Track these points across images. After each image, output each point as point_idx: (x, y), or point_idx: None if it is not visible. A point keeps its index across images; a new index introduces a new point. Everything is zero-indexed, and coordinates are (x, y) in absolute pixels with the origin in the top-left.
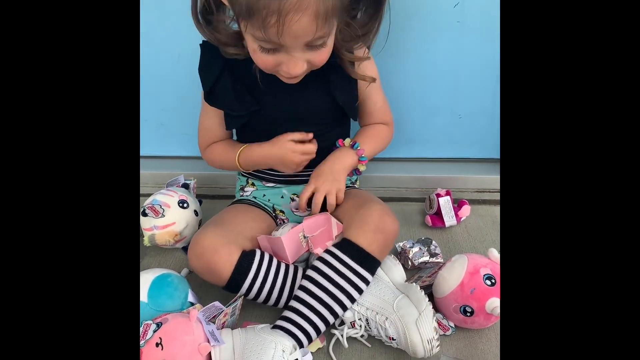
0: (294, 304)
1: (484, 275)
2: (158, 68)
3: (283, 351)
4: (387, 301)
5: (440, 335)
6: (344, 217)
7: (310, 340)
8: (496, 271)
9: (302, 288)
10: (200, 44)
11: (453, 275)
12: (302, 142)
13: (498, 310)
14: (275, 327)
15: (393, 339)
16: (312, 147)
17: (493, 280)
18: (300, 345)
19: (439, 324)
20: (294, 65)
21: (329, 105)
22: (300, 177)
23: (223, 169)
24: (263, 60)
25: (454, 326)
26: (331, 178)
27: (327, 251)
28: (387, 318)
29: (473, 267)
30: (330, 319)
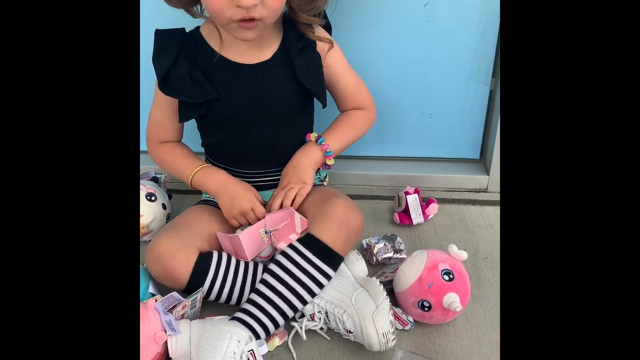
0: (253, 296)
1: (442, 271)
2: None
3: (238, 341)
4: (346, 294)
5: (397, 329)
6: (308, 213)
7: (268, 333)
8: (455, 267)
9: (263, 282)
10: (155, 32)
11: (412, 270)
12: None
13: (455, 305)
14: (233, 318)
15: (350, 332)
16: (259, 215)
17: (451, 276)
18: (257, 336)
19: (398, 318)
20: None
21: (292, 91)
22: (269, 182)
23: (167, 172)
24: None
25: (412, 321)
26: (295, 176)
27: (290, 246)
28: (345, 311)
29: (432, 262)
30: (290, 312)
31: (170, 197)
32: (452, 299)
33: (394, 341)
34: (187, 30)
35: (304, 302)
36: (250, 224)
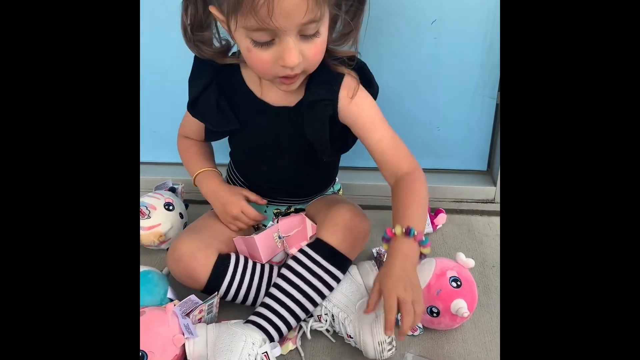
0: (266, 300)
1: (450, 278)
2: (151, 78)
3: (253, 344)
4: (352, 301)
5: (393, 339)
6: (316, 219)
7: (281, 335)
8: (462, 274)
9: (276, 286)
10: (194, 55)
11: (421, 277)
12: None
13: (462, 311)
14: (248, 322)
15: (351, 337)
16: (251, 217)
17: (459, 283)
18: (271, 339)
19: None
20: (289, 54)
21: (303, 140)
22: (282, 198)
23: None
24: (259, 57)
25: (422, 327)
26: (409, 284)
27: (301, 250)
28: (347, 316)
29: (440, 269)
30: (301, 314)
31: (187, 206)
32: (460, 305)
33: (391, 352)
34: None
35: (314, 303)
36: (260, 228)
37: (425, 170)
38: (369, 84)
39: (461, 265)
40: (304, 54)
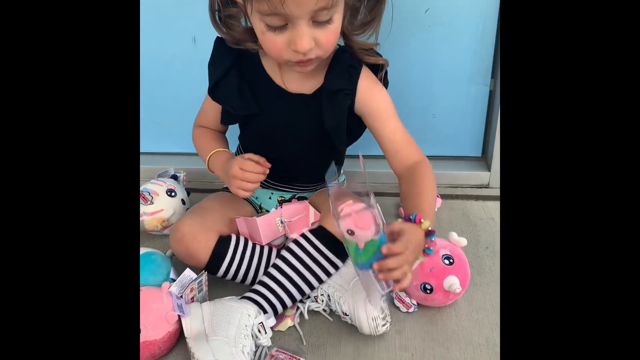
0: (264, 279)
1: (442, 255)
2: (153, 69)
3: (249, 315)
4: (346, 280)
5: (401, 312)
6: (321, 207)
7: (275, 312)
8: (455, 252)
9: (275, 266)
10: (215, 39)
11: None
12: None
13: (454, 287)
14: (243, 297)
15: (346, 315)
16: (249, 169)
17: (451, 260)
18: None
19: (402, 301)
20: (300, 40)
21: (316, 127)
22: (288, 185)
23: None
24: (272, 41)
25: (416, 304)
26: (415, 252)
27: (302, 235)
28: (342, 295)
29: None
30: (297, 296)
31: (188, 193)
32: (452, 282)
33: (385, 327)
34: None
35: (311, 287)
36: (263, 213)
37: None
38: (381, 76)
39: (454, 244)
40: (317, 40)
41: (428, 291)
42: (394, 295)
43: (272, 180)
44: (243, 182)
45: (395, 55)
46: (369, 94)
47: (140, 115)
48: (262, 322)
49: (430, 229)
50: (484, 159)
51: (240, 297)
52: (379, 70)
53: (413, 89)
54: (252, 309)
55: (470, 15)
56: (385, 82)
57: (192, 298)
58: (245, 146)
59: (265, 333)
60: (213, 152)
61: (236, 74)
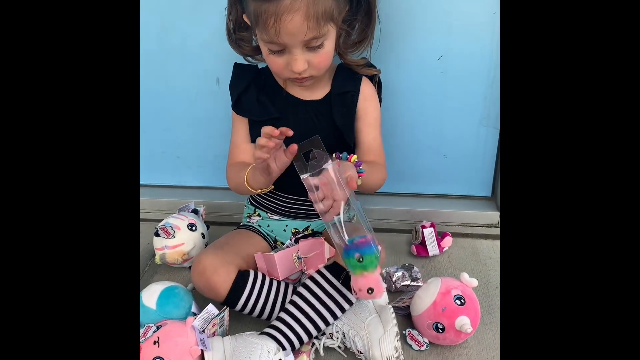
0: (282, 315)
1: (454, 296)
2: (177, 106)
3: (268, 352)
4: (361, 318)
5: (413, 350)
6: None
7: (293, 347)
8: (466, 292)
9: (292, 302)
10: (233, 66)
11: (427, 295)
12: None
13: (466, 327)
14: (262, 333)
15: (361, 353)
16: (266, 140)
17: (462, 301)
18: (284, 350)
19: (415, 339)
20: (295, 63)
21: (332, 128)
22: (304, 212)
23: (237, 192)
24: (274, 62)
25: (428, 342)
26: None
27: (318, 271)
28: (357, 333)
29: (445, 288)
30: (314, 331)
31: (208, 227)
32: (464, 322)
33: None
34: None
35: (326, 323)
36: (279, 247)
37: (432, 196)
38: (378, 89)
39: (465, 285)
40: (310, 62)
41: (440, 330)
42: (407, 334)
43: (286, 193)
44: (263, 148)
45: (409, 97)
46: (368, 99)
47: (165, 150)
48: (281, 359)
49: (357, 162)
50: (493, 199)
51: (259, 332)
52: (373, 80)
53: (425, 130)
54: (272, 345)
55: (481, 61)
56: (379, 91)
57: (214, 333)
58: None
59: None
60: (248, 170)
61: (254, 89)
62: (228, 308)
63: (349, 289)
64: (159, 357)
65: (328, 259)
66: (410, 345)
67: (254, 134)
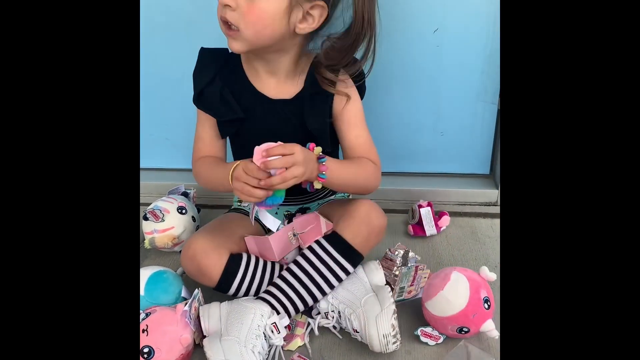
0: (277, 281)
1: (483, 299)
2: (163, 87)
3: (262, 315)
4: (357, 297)
5: (428, 345)
6: (333, 215)
7: (288, 313)
8: (490, 293)
9: (288, 269)
10: (199, 50)
11: (457, 299)
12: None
13: (494, 334)
14: (258, 298)
15: (357, 331)
16: (252, 170)
17: (489, 303)
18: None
19: (430, 336)
20: None
21: (303, 130)
22: (295, 198)
23: (211, 189)
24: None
25: (445, 335)
26: (305, 167)
27: (316, 241)
28: (353, 311)
29: (474, 288)
30: (309, 300)
31: (199, 210)
32: (490, 327)
33: (395, 345)
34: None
35: (322, 291)
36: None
37: (429, 175)
38: (359, 78)
39: (483, 279)
40: (239, 5)
41: (464, 332)
42: (420, 334)
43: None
44: (244, 185)
45: (404, 73)
46: (344, 97)
47: (152, 132)
48: (275, 323)
49: (321, 155)
50: (491, 177)
51: (255, 297)
52: (359, 75)
53: (421, 107)
54: (266, 309)
55: (477, 35)
56: (362, 88)
57: (198, 316)
58: (237, 157)
59: (279, 333)
60: (235, 164)
61: (219, 82)
62: (199, 288)
63: (347, 257)
64: (147, 346)
65: (325, 233)
66: (426, 343)
67: (222, 130)
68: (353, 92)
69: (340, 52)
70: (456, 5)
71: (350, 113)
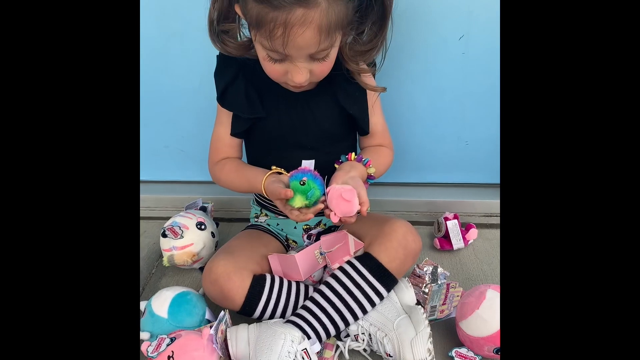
0: (307, 304)
1: None
2: (179, 98)
3: (292, 341)
4: (389, 319)
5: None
6: (366, 235)
7: (319, 338)
8: None
9: (318, 291)
10: (217, 55)
11: (494, 318)
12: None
13: None
14: (288, 321)
15: (390, 356)
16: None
17: None
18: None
19: (464, 357)
20: (297, 74)
21: (334, 118)
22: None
23: (234, 190)
24: (271, 68)
25: (481, 357)
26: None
27: (348, 262)
28: (386, 335)
29: None
30: (341, 324)
31: (217, 225)
32: None
33: None
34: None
35: (355, 316)
36: (305, 245)
37: (455, 185)
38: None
39: None
40: (312, 71)
41: (499, 352)
42: (454, 355)
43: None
44: (295, 212)
45: (428, 81)
46: (366, 86)
47: (167, 144)
48: (306, 349)
49: (372, 174)
50: None
51: (285, 320)
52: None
53: (446, 115)
54: (297, 334)
55: None
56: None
57: (225, 340)
58: (253, 155)
59: (310, 359)
60: (269, 173)
61: (243, 80)
62: (227, 310)
63: (381, 280)
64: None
65: (354, 253)
66: None
67: (236, 125)
68: (370, 80)
69: (366, 45)
70: (482, 11)
71: (372, 100)
